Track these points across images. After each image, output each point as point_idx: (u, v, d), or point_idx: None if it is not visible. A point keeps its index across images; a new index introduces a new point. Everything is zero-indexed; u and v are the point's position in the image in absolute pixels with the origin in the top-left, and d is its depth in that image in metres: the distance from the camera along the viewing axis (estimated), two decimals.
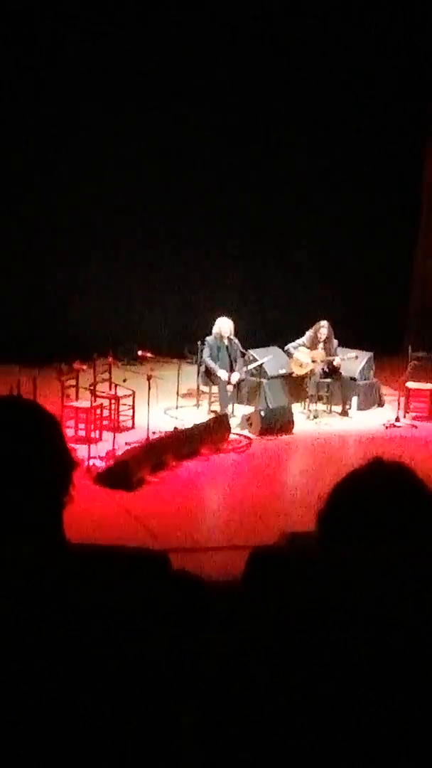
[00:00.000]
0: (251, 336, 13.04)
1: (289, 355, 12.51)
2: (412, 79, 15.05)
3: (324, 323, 12.31)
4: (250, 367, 12.20)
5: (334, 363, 12.24)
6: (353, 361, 12.53)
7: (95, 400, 10.85)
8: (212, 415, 11.62)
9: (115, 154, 14.19)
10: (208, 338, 12.01)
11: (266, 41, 14.57)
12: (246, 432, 11.37)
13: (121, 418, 11.23)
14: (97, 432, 10.71)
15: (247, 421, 11.52)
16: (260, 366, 12.24)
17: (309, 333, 12.38)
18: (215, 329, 11.98)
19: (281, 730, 1.50)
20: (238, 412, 11.88)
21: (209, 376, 12.02)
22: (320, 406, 12.42)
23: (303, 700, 1.50)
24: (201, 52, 14.23)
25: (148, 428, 10.50)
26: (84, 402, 10.88)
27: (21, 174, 13.72)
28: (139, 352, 12.12)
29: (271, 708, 1.50)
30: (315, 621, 1.51)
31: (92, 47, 13.78)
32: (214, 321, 12.11)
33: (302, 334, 12.46)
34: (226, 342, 11.95)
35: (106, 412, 11.01)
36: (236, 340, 12.03)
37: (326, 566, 1.56)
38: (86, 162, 14.03)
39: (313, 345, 12.35)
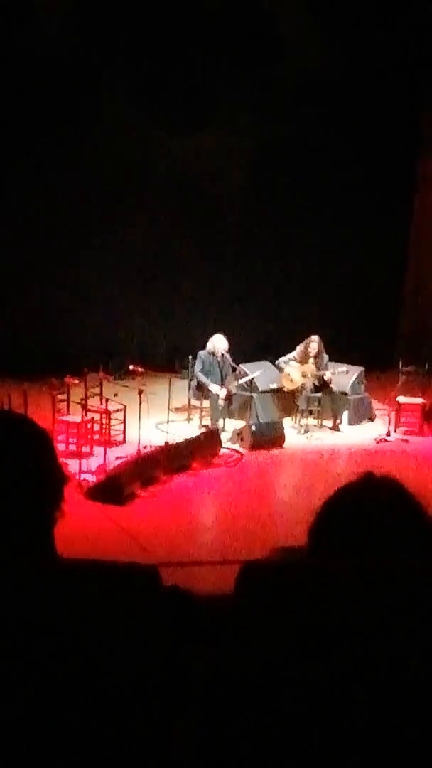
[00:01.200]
0: (242, 350, 13.06)
1: (280, 369, 12.52)
2: (405, 97, 15.14)
3: (314, 338, 12.33)
4: (241, 381, 12.21)
5: (325, 378, 12.25)
6: (344, 376, 12.54)
7: (86, 415, 10.84)
8: (203, 430, 11.62)
9: (110, 171, 14.26)
10: (200, 352, 12.03)
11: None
12: (237, 446, 11.37)
13: (112, 432, 11.22)
14: (89, 446, 10.69)
15: (238, 435, 11.52)
16: (251, 380, 12.25)
17: (299, 347, 12.40)
18: (209, 345, 11.99)
19: (274, 744, 1.50)
20: (229, 427, 11.88)
21: (201, 390, 12.02)
22: (311, 421, 12.42)
23: (295, 715, 1.50)
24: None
25: (139, 443, 10.49)
26: (75, 416, 10.87)
27: (14, 187, 13.75)
28: (131, 367, 12.12)
29: (264, 722, 1.50)
30: (306, 635, 1.51)
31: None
32: (206, 336, 12.12)
33: (293, 349, 12.48)
34: (218, 357, 11.96)
35: (97, 427, 11.00)
36: (228, 356, 12.04)
37: (317, 580, 1.57)
38: (81, 177, 14.10)
39: (303, 359, 12.37)
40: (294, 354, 12.46)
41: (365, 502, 1.80)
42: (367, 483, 1.84)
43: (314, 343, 12.31)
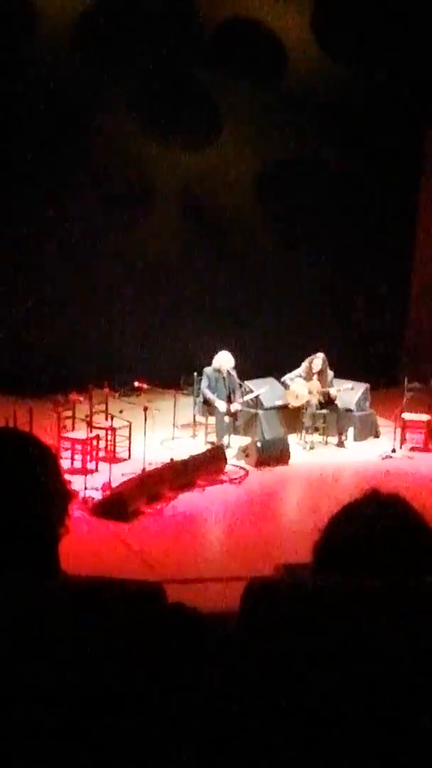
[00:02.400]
0: (247, 367, 13.06)
1: (286, 386, 12.52)
2: (408, 114, 15.18)
3: (319, 355, 12.34)
4: (247, 398, 12.21)
5: (331, 394, 12.25)
6: (349, 392, 12.54)
7: (91, 432, 10.84)
8: (208, 447, 11.61)
9: (114, 188, 14.34)
10: (206, 369, 12.04)
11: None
12: (242, 463, 11.36)
13: (117, 449, 11.22)
14: (94, 463, 10.69)
15: (244, 452, 11.51)
16: (257, 397, 12.25)
17: (304, 364, 12.41)
18: (215, 362, 12.00)
19: (277, 761, 1.50)
20: (235, 443, 11.87)
21: (207, 406, 12.03)
22: (316, 437, 12.42)
23: (298, 734, 1.49)
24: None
25: (144, 459, 10.49)
26: (80, 433, 10.87)
27: (19, 205, 13.79)
28: (136, 384, 12.13)
29: (266, 741, 1.50)
30: (310, 653, 1.51)
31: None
32: (210, 352, 12.13)
33: (298, 366, 12.48)
34: (224, 374, 11.97)
35: (102, 444, 11.00)
36: (234, 373, 12.05)
37: (321, 598, 1.56)
38: (85, 195, 14.17)
39: (308, 376, 12.37)
40: (299, 371, 12.46)
41: (371, 520, 1.79)
42: (373, 500, 1.84)
43: (318, 359, 12.32)
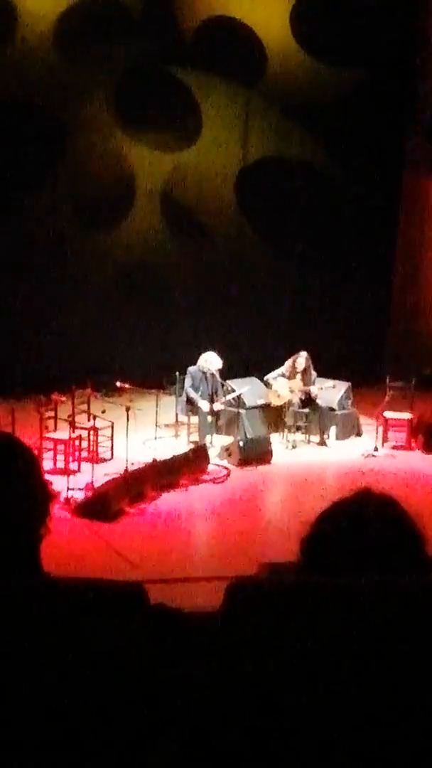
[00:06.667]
0: (229, 367, 13.05)
1: (268, 385, 12.53)
2: (391, 116, 15.23)
3: (303, 354, 12.36)
4: (229, 397, 12.20)
5: (312, 393, 12.27)
6: (331, 391, 12.55)
7: (74, 432, 10.81)
8: (191, 446, 11.61)
9: (94, 188, 14.32)
10: (190, 368, 12.02)
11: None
12: (225, 462, 11.36)
13: (99, 449, 11.19)
14: (76, 463, 10.67)
15: (226, 451, 11.52)
16: (239, 396, 12.25)
17: (288, 363, 12.42)
18: (202, 362, 11.98)
19: (260, 760, 1.49)
20: (217, 443, 11.87)
21: (190, 406, 12.02)
22: (298, 436, 12.43)
23: (281, 734, 1.49)
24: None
25: (126, 459, 10.48)
26: (62, 433, 10.84)
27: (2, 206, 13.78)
28: (118, 384, 12.10)
29: (249, 741, 1.50)
30: (292, 652, 1.51)
31: None
32: (192, 352, 12.12)
33: (280, 365, 12.49)
34: (208, 374, 11.96)
35: (84, 444, 10.97)
36: (217, 374, 12.04)
37: (303, 598, 1.56)
38: (64, 194, 14.16)
39: (291, 375, 12.38)
40: (282, 369, 12.47)
41: (360, 519, 1.78)
42: (363, 499, 1.83)
43: (302, 358, 12.34)
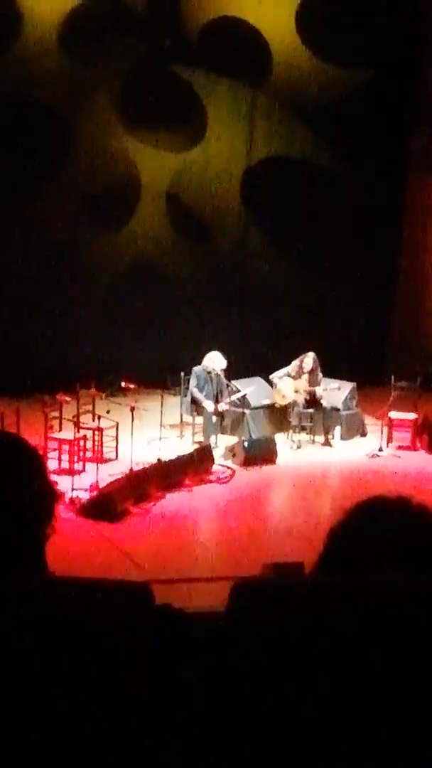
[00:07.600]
0: (234, 367, 13.04)
1: (273, 384, 12.52)
2: (396, 117, 15.21)
3: (310, 354, 12.35)
4: (234, 397, 12.20)
5: (317, 394, 12.26)
6: (336, 392, 12.54)
7: (78, 432, 10.82)
8: (196, 446, 11.60)
9: (97, 188, 14.32)
10: (195, 368, 12.01)
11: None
12: (229, 463, 11.36)
13: (104, 449, 11.20)
14: (81, 463, 10.68)
15: (231, 451, 11.51)
16: (244, 396, 12.25)
17: (295, 363, 12.41)
18: (207, 362, 11.96)
19: (263, 761, 1.49)
20: (222, 443, 11.86)
21: (195, 406, 12.01)
22: (303, 437, 12.42)
23: (286, 733, 1.49)
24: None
25: (131, 459, 10.48)
26: (67, 433, 10.85)
27: (2, 201, 13.77)
28: (123, 384, 12.10)
29: (254, 741, 1.50)
30: (297, 653, 1.50)
31: None
32: (197, 352, 12.11)
33: (285, 364, 12.48)
34: (213, 374, 11.95)
35: (89, 444, 10.98)
36: (222, 373, 12.03)
37: (309, 599, 1.56)
38: (68, 195, 14.15)
39: (297, 375, 12.38)
40: (288, 369, 12.46)
41: (403, 518, 1.77)
42: (404, 501, 1.81)
43: (309, 359, 12.33)
